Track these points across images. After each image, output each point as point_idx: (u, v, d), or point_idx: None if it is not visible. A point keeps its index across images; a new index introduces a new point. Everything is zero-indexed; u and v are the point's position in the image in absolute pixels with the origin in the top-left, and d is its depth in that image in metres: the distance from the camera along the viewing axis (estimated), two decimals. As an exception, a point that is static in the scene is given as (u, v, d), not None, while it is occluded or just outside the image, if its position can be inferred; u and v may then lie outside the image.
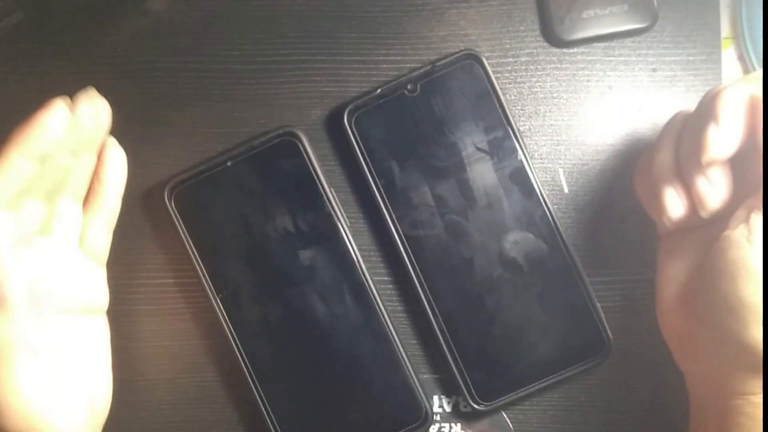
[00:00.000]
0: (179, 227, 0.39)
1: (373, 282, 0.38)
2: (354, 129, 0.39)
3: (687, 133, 0.33)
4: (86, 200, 0.36)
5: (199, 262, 0.39)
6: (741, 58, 0.41)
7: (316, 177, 0.38)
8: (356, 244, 0.39)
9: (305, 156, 0.38)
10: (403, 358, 0.38)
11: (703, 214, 0.32)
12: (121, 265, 0.40)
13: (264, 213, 0.38)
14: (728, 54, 0.41)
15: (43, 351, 0.32)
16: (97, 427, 0.35)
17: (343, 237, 0.38)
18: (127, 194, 0.41)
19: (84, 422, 0.34)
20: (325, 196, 0.38)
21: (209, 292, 0.38)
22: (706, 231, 0.34)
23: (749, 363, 0.30)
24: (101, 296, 0.36)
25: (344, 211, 0.39)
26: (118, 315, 0.41)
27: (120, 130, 0.41)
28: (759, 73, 0.31)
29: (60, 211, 0.34)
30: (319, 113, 0.40)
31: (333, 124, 0.40)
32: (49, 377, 0.32)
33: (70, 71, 0.41)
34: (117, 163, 0.36)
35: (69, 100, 0.33)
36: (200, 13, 0.41)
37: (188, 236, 0.39)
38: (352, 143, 0.39)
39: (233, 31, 0.40)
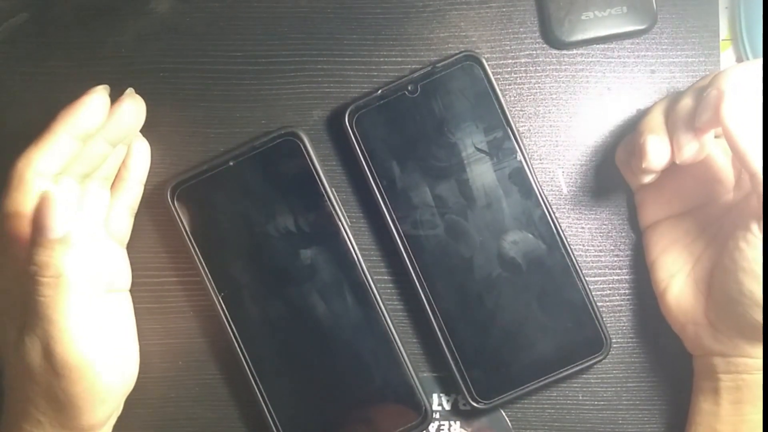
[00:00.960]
0: (181, 226, 0.39)
1: (373, 281, 0.39)
2: (355, 129, 0.39)
3: (680, 102, 0.34)
4: (113, 186, 0.39)
5: (201, 260, 0.39)
6: (739, 60, 0.41)
7: (317, 177, 0.39)
8: (357, 244, 0.39)
9: (306, 156, 0.39)
10: (402, 356, 0.38)
11: (677, 160, 0.33)
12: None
13: (265, 212, 0.39)
14: (727, 56, 0.41)
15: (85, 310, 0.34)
16: (123, 396, 0.37)
17: (343, 236, 0.39)
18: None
19: (115, 383, 0.36)
20: (326, 196, 0.39)
21: (211, 291, 0.39)
22: (693, 222, 0.37)
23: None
24: (124, 275, 0.39)
25: (345, 211, 0.39)
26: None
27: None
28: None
29: (90, 193, 0.37)
30: (321, 114, 0.41)
31: (334, 124, 0.40)
32: (93, 330, 0.34)
33: (74, 71, 0.41)
34: (143, 152, 0.40)
35: (108, 89, 0.37)
36: (203, 14, 0.41)
37: (190, 235, 0.39)
38: (353, 144, 0.39)
39: (236, 33, 0.41)
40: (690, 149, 0.33)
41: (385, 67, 0.41)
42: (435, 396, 0.40)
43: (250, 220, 0.39)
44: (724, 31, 0.41)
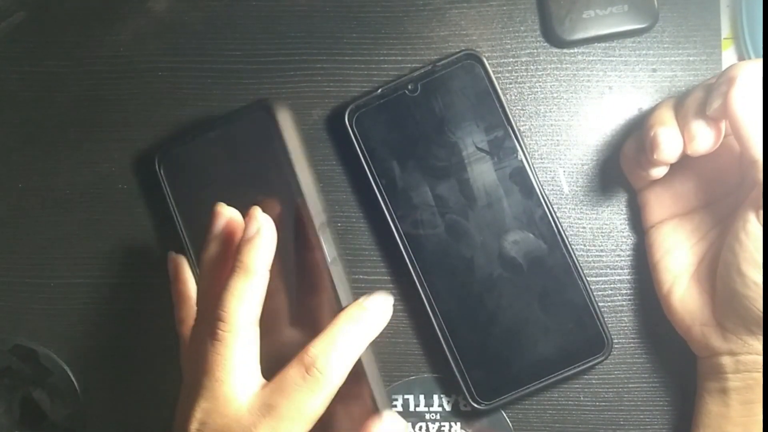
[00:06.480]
0: (167, 194, 0.39)
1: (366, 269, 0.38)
2: (355, 129, 0.39)
3: (690, 95, 0.34)
4: None
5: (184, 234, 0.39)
6: (741, 58, 0.41)
7: (286, 159, 0.37)
8: (357, 244, 0.38)
9: (275, 134, 0.37)
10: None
11: (689, 151, 0.33)
12: (122, 262, 0.41)
13: (247, 182, 0.38)
14: (728, 54, 0.41)
15: None
16: None
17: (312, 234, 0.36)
18: (126, 189, 0.41)
19: None
20: (295, 185, 0.36)
21: (193, 262, 0.39)
22: (698, 222, 0.37)
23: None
24: None
25: (343, 210, 0.39)
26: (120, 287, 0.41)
27: (120, 129, 0.41)
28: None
29: None
30: (320, 113, 0.40)
31: (334, 123, 0.40)
32: None
33: (71, 71, 0.41)
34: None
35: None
36: (202, 12, 0.41)
37: (174, 204, 0.39)
38: (353, 143, 0.39)
39: (234, 31, 0.41)
40: (702, 139, 0.33)
41: (385, 66, 0.40)
42: (435, 397, 0.40)
43: (234, 190, 0.37)
44: (725, 30, 0.41)
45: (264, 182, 0.37)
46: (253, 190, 0.37)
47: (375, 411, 0.34)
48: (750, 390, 0.34)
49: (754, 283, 0.32)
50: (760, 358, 0.34)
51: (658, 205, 0.38)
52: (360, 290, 0.38)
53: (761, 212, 0.32)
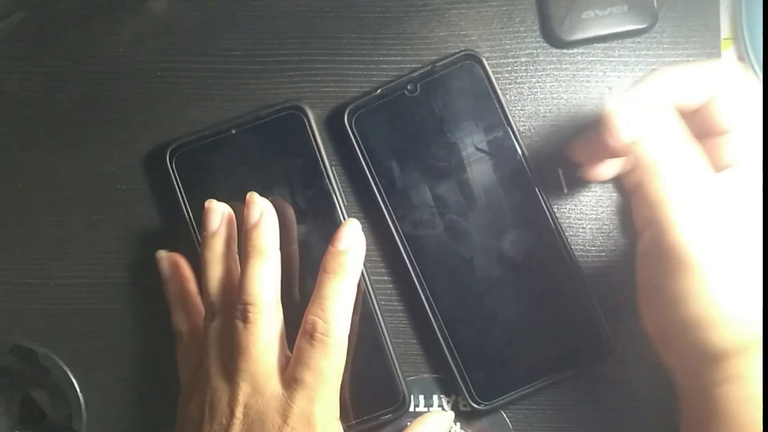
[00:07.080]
0: (177, 189, 0.39)
1: (365, 266, 0.38)
2: (354, 129, 0.39)
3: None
4: None
5: (193, 225, 0.39)
6: (741, 58, 0.41)
7: (318, 153, 0.39)
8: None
9: (309, 131, 0.39)
10: (385, 338, 0.38)
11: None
12: (122, 262, 0.41)
13: (263, 184, 0.39)
14: (728, 55, 0.41)
15: None
16: None
17: (339, 215, 0.38)
18: (126, 189, 0.41)
19: None
20: (325, 174, 0.39)
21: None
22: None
23: (704, 351, 0.32)
24: None
25: (344, 194, 0.39)
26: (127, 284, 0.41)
27: (120, 129, 0.41)
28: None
29: None
30: (320, 113, 0.40)
31: (333, 124, 0.40)
32: None
33: (71, 71, 0.41)
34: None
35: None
36: (201, 13, 0.41)
37: (185, 199, 0.39)
38: (353, 143, 0.39)
39: (234, 31, 0.41)
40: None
41: (385, 66, 0.40)
42: (435, 397, 0.40)
43: (247, 189, 0.38)
44: (725, 30, 0.41)
45: (292, 181, 0.39)
46: (279, 188, 0.39)
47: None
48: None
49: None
50: (703, 372, 0.33)
51: (638, 212, 0.37)
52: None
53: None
